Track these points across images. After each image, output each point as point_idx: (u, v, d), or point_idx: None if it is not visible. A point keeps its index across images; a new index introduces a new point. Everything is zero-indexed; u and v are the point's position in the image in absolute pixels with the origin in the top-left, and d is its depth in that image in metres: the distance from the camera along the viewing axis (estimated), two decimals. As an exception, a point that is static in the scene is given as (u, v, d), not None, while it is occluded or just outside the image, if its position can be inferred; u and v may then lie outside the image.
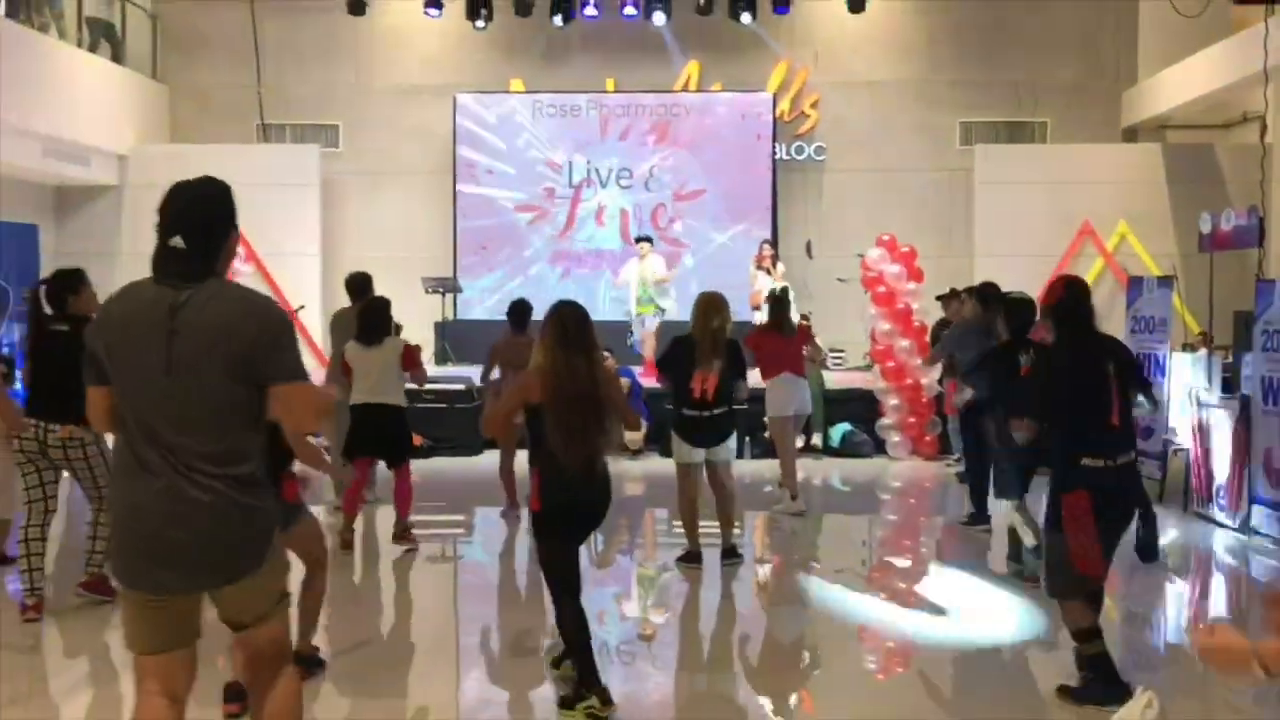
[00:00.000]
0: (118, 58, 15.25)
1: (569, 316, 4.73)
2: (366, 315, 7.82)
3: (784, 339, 9.10)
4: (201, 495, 3.10)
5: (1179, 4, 10.13)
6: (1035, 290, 9.26)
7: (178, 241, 3.18)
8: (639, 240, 13.32)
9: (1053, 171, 14.98)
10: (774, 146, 15.37)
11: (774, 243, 14.04)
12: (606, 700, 4.63)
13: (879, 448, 11.59)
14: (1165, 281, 9.60)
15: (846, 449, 11.46)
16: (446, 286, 14.88)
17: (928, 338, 11.18)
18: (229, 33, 16.16)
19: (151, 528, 3.12)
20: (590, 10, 15.02)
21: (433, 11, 14.91)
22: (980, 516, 8.26)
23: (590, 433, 4.61)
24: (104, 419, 3.28)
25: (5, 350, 9.80)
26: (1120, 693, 4.57)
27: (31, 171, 13.88)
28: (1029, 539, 6.59)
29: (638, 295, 13.07)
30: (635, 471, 11.22)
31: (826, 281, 14.78)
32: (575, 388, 4.60)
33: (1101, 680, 4.75)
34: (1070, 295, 4.92)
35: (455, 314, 15.16)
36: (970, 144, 15.90)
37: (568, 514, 4.72)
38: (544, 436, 4.63)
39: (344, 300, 9.23)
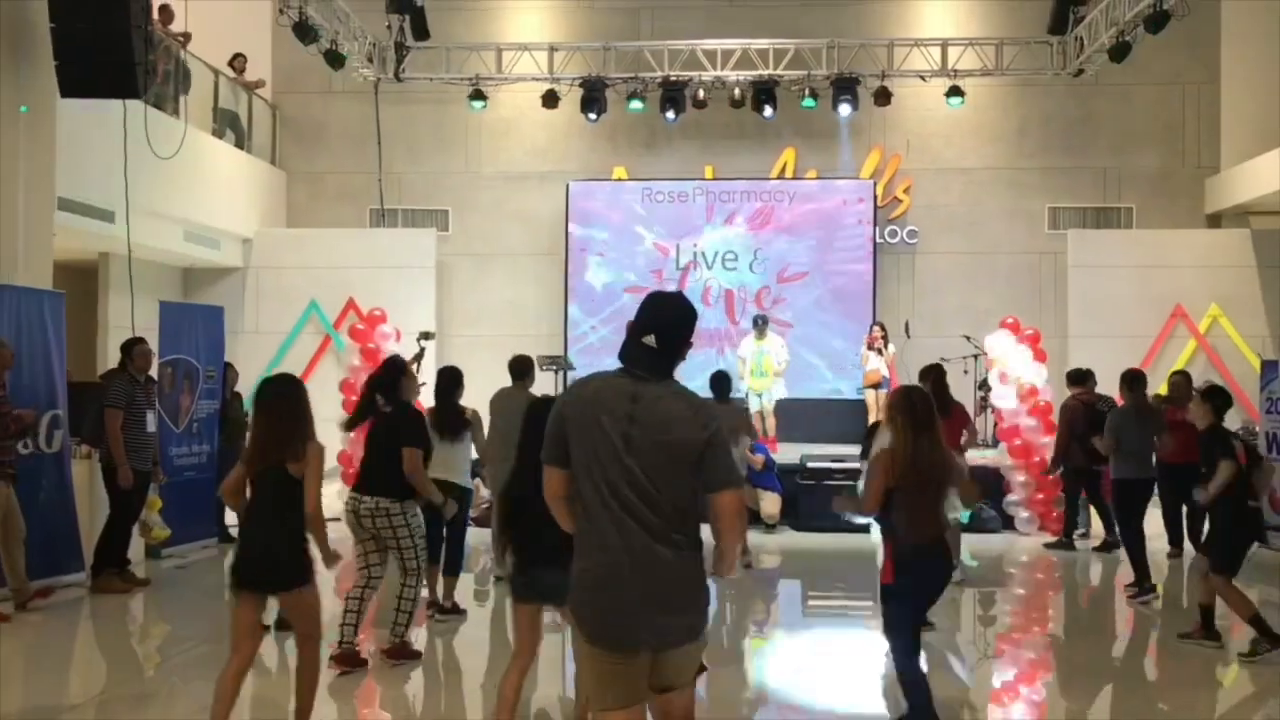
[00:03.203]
0: (240, 145, 15.98)
1: (919, 398, 5.28)
2: None
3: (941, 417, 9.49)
4: (663, 557, 3.51)
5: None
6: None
7: (650, 340, 3.62)
8: (757, 321, 13.88)
9: (1143, 256, 15.53)
10: (874, 231, 15.96)
11: (881, 324, 14.51)
12: None
13: (1006, 524, 11.98)
14: (1302, 365, 10.07)
15: (975, 525, 11.81)
16: (559, 364, 15.35)
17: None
18: (343, 122, 16.97)
19: (620, 590, 3.51)
20: (698, 100, 15.72)
21: (549, 105, 15.67)
22: (1146, 586, 8.79)
23: (937, 510, 5.12)
24: (558, 498, 3.68)
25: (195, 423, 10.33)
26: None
27: (170, 254, 14.56)
28: None
29: (751, 368, 13.61)
30: (771, 545, 11.63)
31: (922, 362, 15.20)
32: (924, 468, 5.10)
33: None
34: None
35: (567, 391, 15.64)
36: (1059, 228, 16.48)
37: (907, 588, 5.23)
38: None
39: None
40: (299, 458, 5.04)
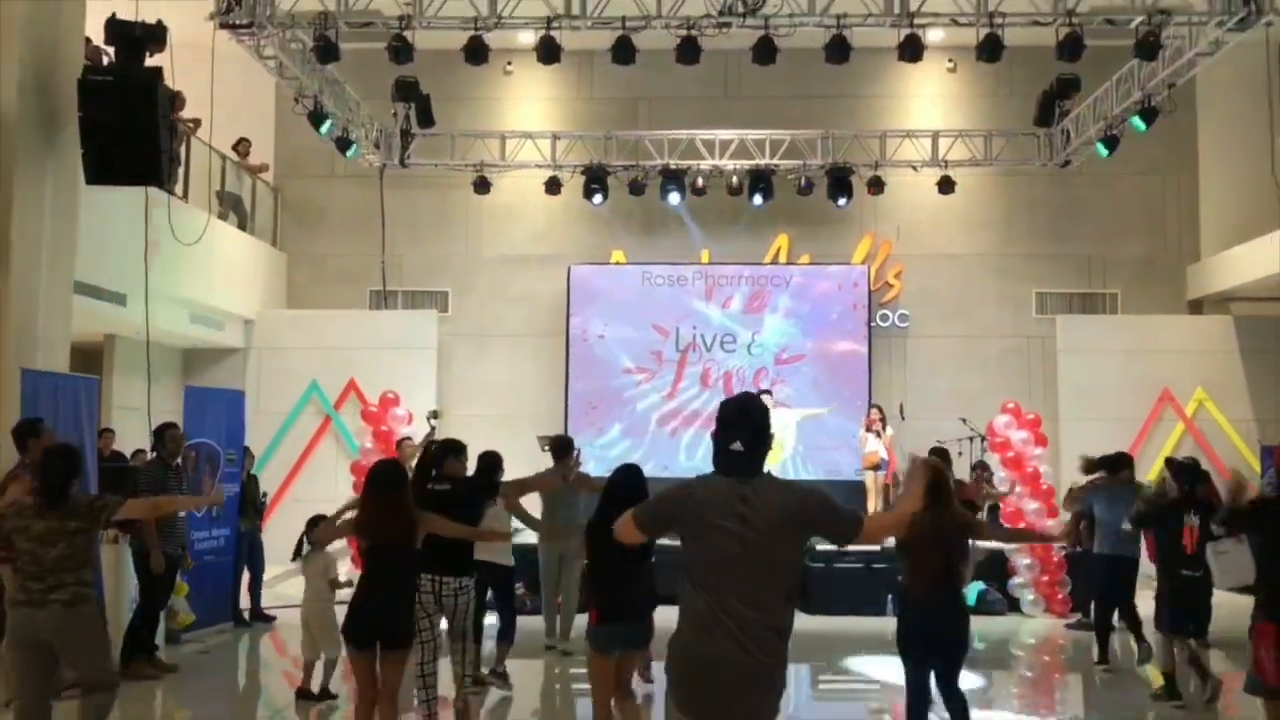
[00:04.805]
0: (243, 226, 16.15)
1: (936, 468, 5.96)
2: None
3: None
4: (756, 654, 3.76)
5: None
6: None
7: (738, 445, 3.89)
8: (761, 394, 14.09)
9: (1130, 341, 15.96)
10: (869, 316, 16.31)
11: (879, 407, 14.73)
12: None
13: (1012, 606, 12.14)
14: (1302, 450, 10.40)
15: (981, 607, 11.95)
16: (559, 445, 15.48)
17: None
18: (343, 205, 17.24)
19: (716, 672, 3.77)
20: (697, 187, 16.11)
21: (552, 192, 16.00)
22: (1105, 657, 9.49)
23: (944, 568, 5.90)
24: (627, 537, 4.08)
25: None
26: None
27: (173, 336, 14.61)
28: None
29: None
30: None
31: (917, 443, 15.44)
32: (934, 532, 5.83)
33: None
34: None
35: (566, 471, 15.73)
36: (1046, 312, 16.92)
37: (913, 641, 5.99)
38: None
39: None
40: (416, 544, 5.94)
